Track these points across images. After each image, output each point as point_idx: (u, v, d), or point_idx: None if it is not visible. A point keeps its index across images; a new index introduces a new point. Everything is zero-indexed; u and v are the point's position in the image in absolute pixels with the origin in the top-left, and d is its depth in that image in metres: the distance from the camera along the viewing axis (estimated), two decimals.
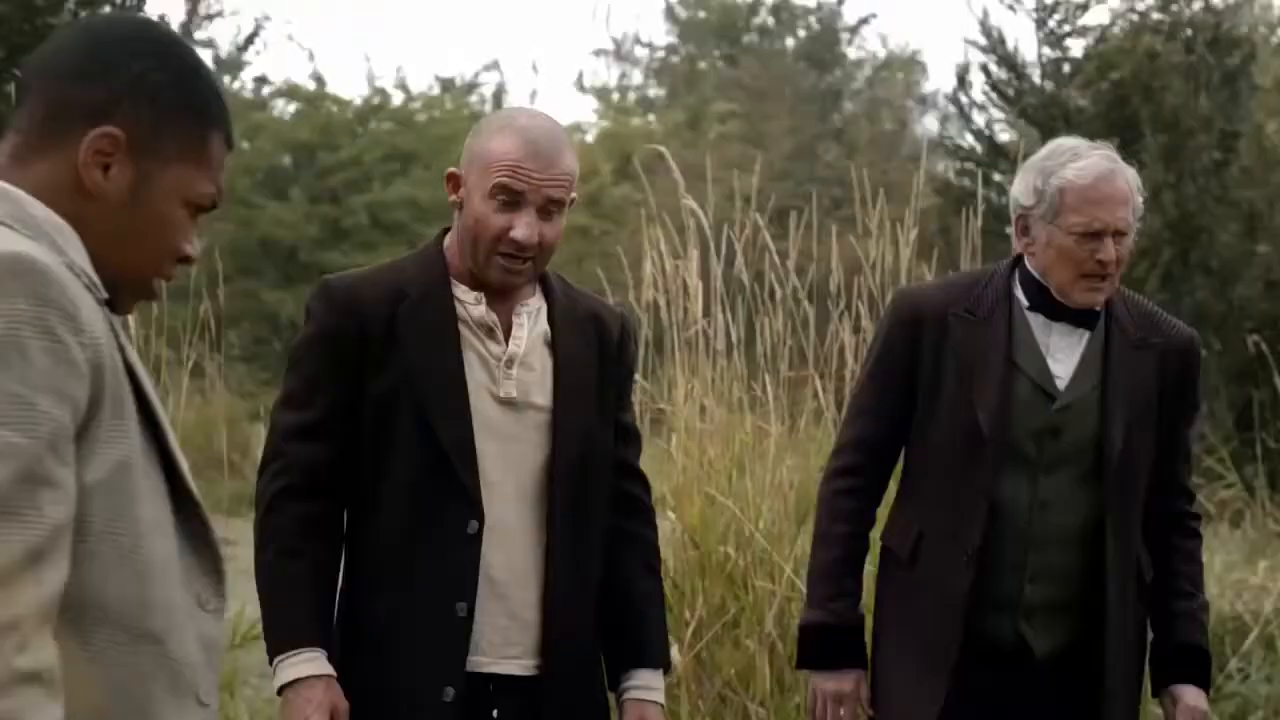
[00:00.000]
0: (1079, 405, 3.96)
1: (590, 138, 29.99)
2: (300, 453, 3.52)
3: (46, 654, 1.99)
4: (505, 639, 3.52)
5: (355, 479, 3.55)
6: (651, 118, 33.38)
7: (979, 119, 14.46)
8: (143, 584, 2.12)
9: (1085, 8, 14.40)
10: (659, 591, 3.79)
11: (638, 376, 6.67)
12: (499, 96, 31.87)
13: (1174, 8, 14.04)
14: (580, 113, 51.12)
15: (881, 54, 35.43)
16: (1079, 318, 3.98)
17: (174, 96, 2.22)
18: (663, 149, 6.94)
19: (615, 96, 35.11)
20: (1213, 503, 10.00)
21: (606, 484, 3.65)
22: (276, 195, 25.68)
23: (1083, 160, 3.92)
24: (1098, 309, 3.97)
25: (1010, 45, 14.31)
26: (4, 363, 2.00)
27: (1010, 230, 3.97)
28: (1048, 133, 14.02)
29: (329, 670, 3.46)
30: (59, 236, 2.16)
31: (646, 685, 3.68)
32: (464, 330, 3.55)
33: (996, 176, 14.06)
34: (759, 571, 6.11)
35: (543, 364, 3.58)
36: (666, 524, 6.26)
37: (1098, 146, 3.99)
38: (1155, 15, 14.00)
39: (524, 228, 3.47)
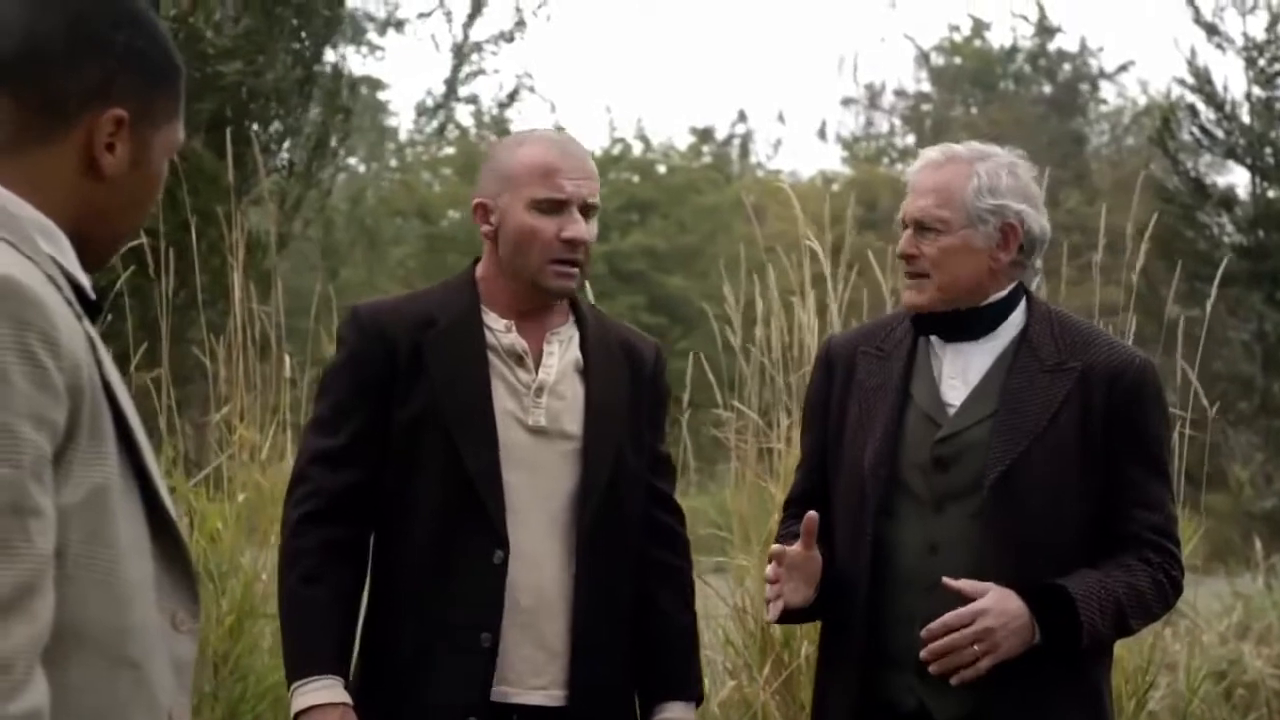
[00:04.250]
0: (969, 436, 3.57)
1: (836, 186, 29.94)
2: (325, 478, 3.53)
3: (39, 695, 1.94)
4: (532, 669, 3.51)
5: (381, 505, 3.56)
6: (900, 167, 33.24)
7: (1188, 160, 14.12)
8: (120, 609, 2.06)
9: None
10: (693, 624, 3.73)
11: (753, 414, 6.66)
12: (745, 145, 32.05)
13: None
14: (826, 161, 51.12)
15: (1142, 101, 34.81)
16: (966, 334, 3.63)
17: (156, 60, 2.18)
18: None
19: (863, 145, 35.04)
20: None
21: (638, 513, 3.62)
22: None
23: (923, 153, 3.70)
24: (922, 310, 3.62)
25: (1219, 84, 13.98)
26: None
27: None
28: (1257, 173, 13.67)
29: (343, 698, 3.47)
30: (43, 237, 2.10)
31: (678, 718, 3.64)
32: (493, 358, 3.55)
33: (1202, 218, 13.72)
34: None
35: (574, 392, 3.57)
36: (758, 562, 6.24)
37: (968, 144, 3.70)
38: None
39: (573, 227, 3.50)
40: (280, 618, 3.59)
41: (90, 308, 2.15)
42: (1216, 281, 7.25)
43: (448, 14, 30.57)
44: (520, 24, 28.77)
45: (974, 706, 3.52)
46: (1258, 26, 14.20)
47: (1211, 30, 14.17)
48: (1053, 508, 3.53)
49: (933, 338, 3.67)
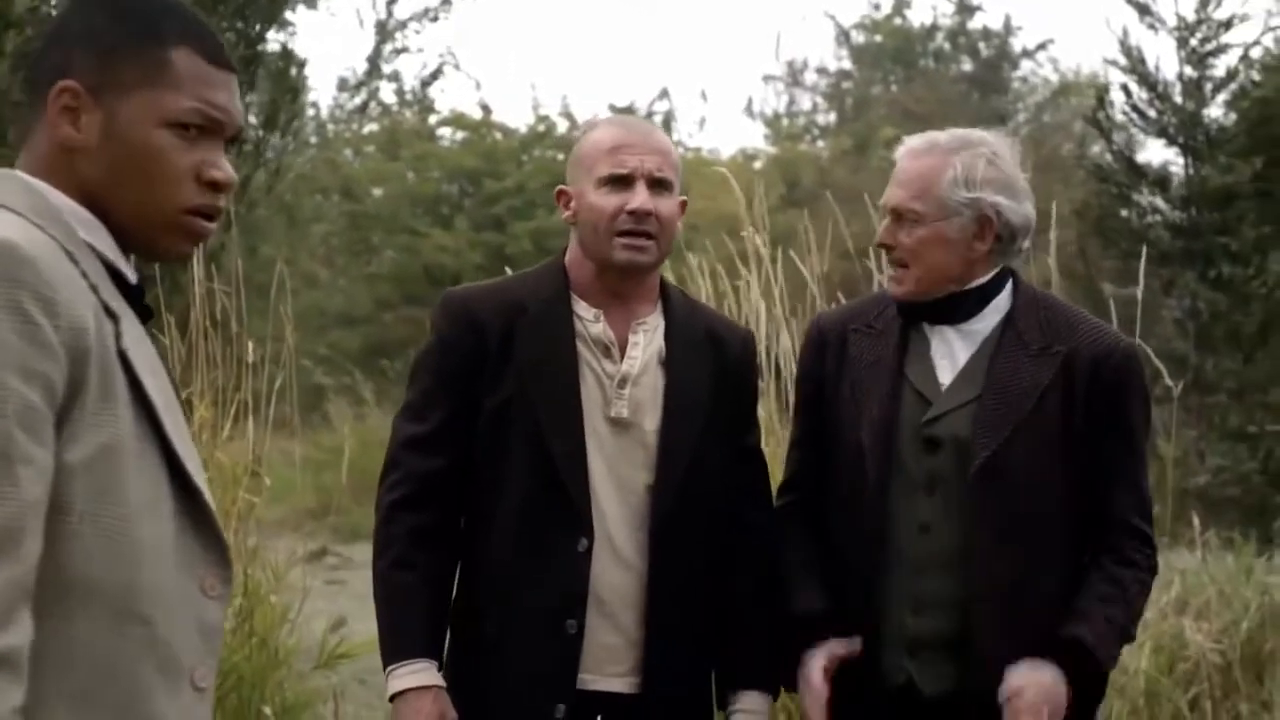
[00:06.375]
0: (954, 419, 3.62)
1: (758, 164, 29.97)
2: (415, 464, 3.59)
3: (18, 634, 2.00)
4: (611, 657, 3.56)
5: (470, 491, 3.60)
6: (821, 144, 33.34)
7: (1119, 139, 14.24)
8: (130, 566, 2.14)
9: (1228, 25, 14.16)
10: (773, 615, 3.71)
11: None
12: (668, 124, 31.99)
13: None
14: (749, 139, 51.19)
15: (1054, 79, 35.06)
16: (950, 318, 3.68)
17: (115, 30, 2.27)
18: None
19: (785, 123, 35.09)
20: None
21: (717, 506, 3.64)
22: (441, 223, 26.00)
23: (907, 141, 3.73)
24: (903, 299, 3.68)
25: (1151, 64, 14.12)
26: None
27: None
28: (1188, 152, 13.81)
29: (437, 681, 3.53)
30: (80, 225, 2.22)
31: (752, 709, 3.67)
32: (581, 347, 3.59)
33: (1136, 197, 13.85)
34: None
35: (655, 383, 3.61)
36: None
37: (951, 131, 3.71)
38: None
39: (637, 198, 3.54)
40: (375, 603, 3.62)
41: (131, 291, 2.25)
42: (1142, 261, 7.28)
43: None
44: (445, 2, 28.62)
45: (961, 683, 3.60)
46: (1188, 6, 14.34)
47: (1143, 10, 14.29)
48: (1038, 491, 3.59)
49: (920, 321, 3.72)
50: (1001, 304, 3.70)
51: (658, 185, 3.57)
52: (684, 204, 3.69)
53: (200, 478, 2.25)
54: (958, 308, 3.68)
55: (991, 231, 3.64)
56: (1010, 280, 3.73)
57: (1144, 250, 7.71)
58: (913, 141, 3.70)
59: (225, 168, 2.30)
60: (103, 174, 2.25)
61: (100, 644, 2.11)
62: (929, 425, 3.63)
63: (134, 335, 2.20)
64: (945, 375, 3.66)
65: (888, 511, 3.62)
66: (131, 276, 2.26)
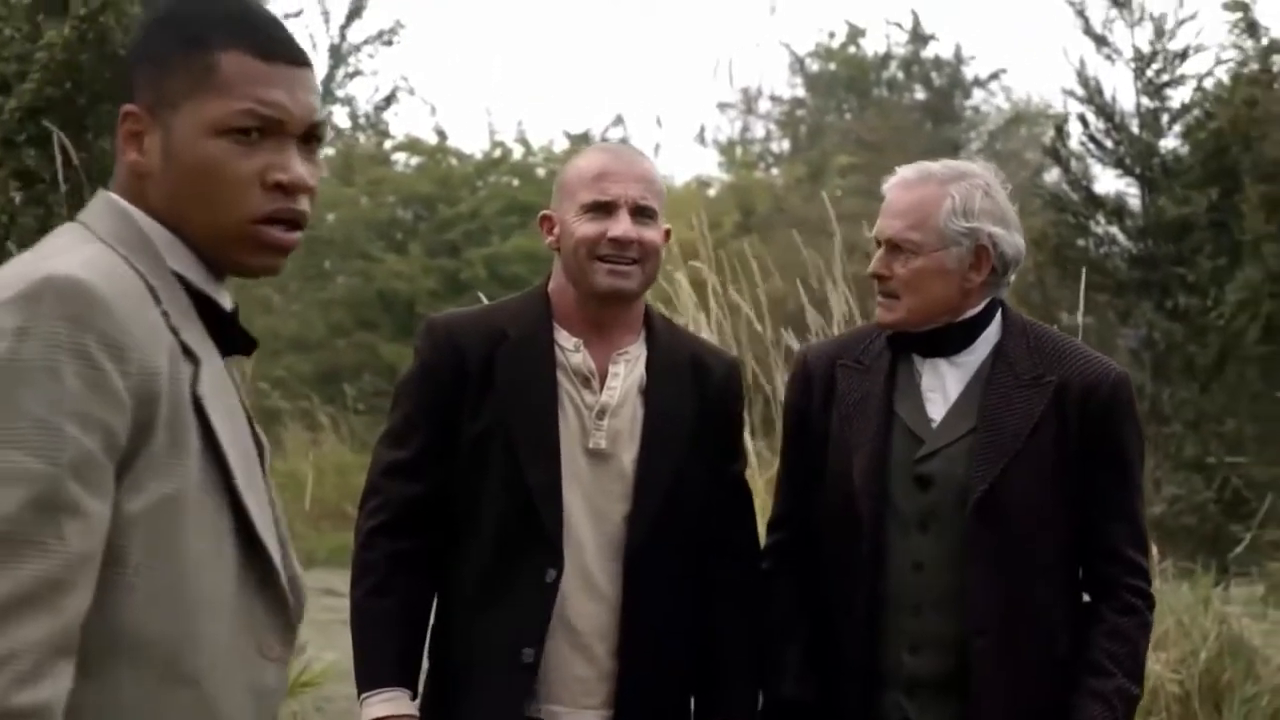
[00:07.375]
0: (948, 454, 3.58)
1: (713, 191, 30.00)
2: (395, 490, 3.58)
3: (50, 690, 1.91)
4: (584, 689, 3.53)
5: (447, 518, 3.58)
6: (775, 171, 33.38)
7: (1076, 169, 14.32)
8: (183, 621, 2.05)
9: (1184, 57, 14.27)
10: (752, 643, 3.69)
11: None
12: None
13: (1274, 57, 13.88)
14: (703, 166, 51.27)
15: (1006, 108, 35.24)
16: (941, 350, 3.65)
17: (163, 44, 2.18)
18: None
19: (739, 150, 35.14)
20: None
21: (697, 536, 3.62)
22: (395, 248, 25.91)
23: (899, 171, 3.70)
24: (892, 329, 3.66)
25: (1108, 95, 14.21)
26: (34, 386, 1.94)
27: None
28: (1145, 183, 13.88)
29: (410, 710, 3.52)
30: (171, 254, 2.14)
31: None
32: (561, 377, 3.57)
33: (1094, 227, 13.93)
34: None
35: (634, 414, 3.59)
36: None
37: (944, 162, 3.68)
38: (1254, 65, 13.82)
39: (619, 226, 3.51)
40: (351, 629, 3.61)
41: (222, 322, 2.17)
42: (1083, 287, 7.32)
43: (325, 15, 30.29)
44: (398, 26, 28.61)
45: None
46: (1144, 38, 14.43)
47: (1100, 41, 14.39)
48: (1034, 524, 3.56)
49: (911, 354, 3.68)
50: (991, 335, 3.67)
51: (640, 213, 3.55)
52: (668, 233, 3.67)
53: (269, 534, 2.15)
54: (950, 340, 3.65)
55: (988, 262, 3.61)
56: (1000, 311, 3.71)
57: (1083, 274, 7.75)
58: (905, 172, 3.66)
59: (293, 168, 2.16)
60: (169, 195, 2.15)
61: (146, 706, 2.03)
62: (921, 463, 3.59)
63: (213, 379, 2.11)
64: (936, 410, 3.63)
65: (881, 551, 3.58)
66: (225, 304, 2.18)
